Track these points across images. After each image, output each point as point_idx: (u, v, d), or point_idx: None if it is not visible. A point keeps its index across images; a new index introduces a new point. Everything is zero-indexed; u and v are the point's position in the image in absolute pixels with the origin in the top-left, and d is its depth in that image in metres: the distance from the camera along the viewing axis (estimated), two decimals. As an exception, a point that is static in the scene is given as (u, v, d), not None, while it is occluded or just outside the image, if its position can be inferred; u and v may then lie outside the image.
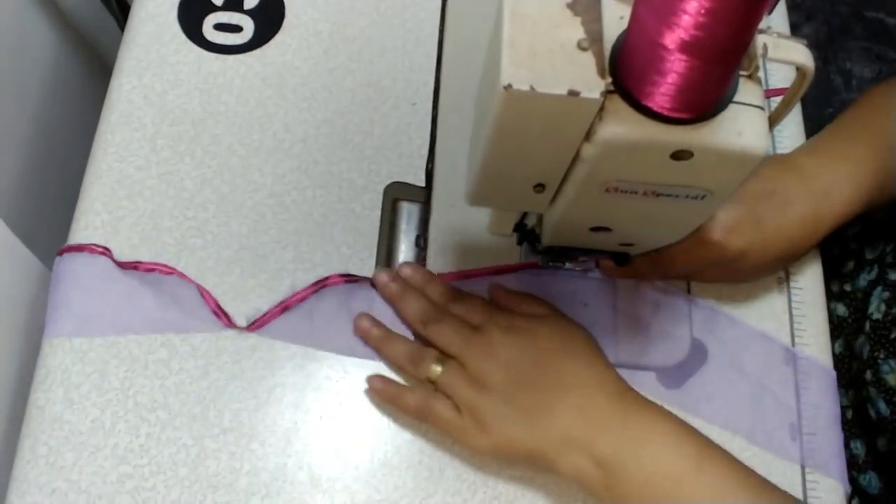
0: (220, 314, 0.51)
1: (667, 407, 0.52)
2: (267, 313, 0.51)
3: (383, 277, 0.52)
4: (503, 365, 0.46)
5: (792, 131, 0.62)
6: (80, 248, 0.51)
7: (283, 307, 0.51)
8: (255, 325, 0.51)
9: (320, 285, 0.52)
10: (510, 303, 0.51)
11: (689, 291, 0.55)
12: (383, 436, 0.50)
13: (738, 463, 0.45)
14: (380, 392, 0.50)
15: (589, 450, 0.44)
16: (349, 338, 0.51)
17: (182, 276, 0.52)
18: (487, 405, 0.46)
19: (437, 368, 0.48)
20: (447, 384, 0.47)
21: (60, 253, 0.52)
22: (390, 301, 0.51)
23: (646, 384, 0.53)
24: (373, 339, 0.51)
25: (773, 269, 0.54)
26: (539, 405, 0.46)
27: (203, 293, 0.51)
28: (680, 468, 0.44)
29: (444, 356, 0.48)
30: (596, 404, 0.46)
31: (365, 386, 0.50)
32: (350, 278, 0.53)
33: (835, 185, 0.50)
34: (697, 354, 0.54)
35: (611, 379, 0.47)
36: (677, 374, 0.54)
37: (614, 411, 0.45)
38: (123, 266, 0.51)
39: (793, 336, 0.55)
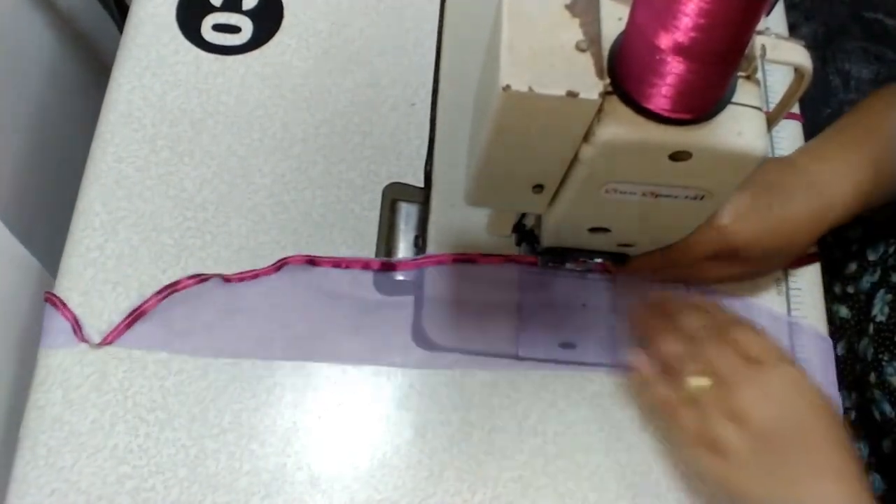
0: (77, 328, 0.50)
1: (666, 407, 0.52)
2: (118, 325, 0.50)
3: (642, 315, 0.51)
4: (769, 411, 0.44)
5: (790, 132, 0.62)
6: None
7: (136, 316, 0.51)
8: (108, 340, 0.50)
9: (170, 290, 0.51)
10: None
11: (687, 291, 0.55)
12: (383, 436, 0.50)
13: None
14: (642, 366, 0.48)
15: None
16: (211, 338, 0.51)
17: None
18: (738, 444, 0.44)
19: (705, 381, 0.46)
20: (707, 402, 0.45)
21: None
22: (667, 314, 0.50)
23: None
24: (651, 327, 0.50)
25: (773, 264, 0.54)
26: (784, 476, 0.44)
27: (58, 304, 0.50)
28: None
29: (709, 374, 0.46)
30: (829, 495, 0.44)
31: (365, 386, 0.50)
32: (202, 278, 0.52)
33: (834, 185, 0.51)
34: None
35: (851, 470, 0.45)
36: (676, 375, 0.54)
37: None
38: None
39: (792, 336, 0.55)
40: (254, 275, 0.52)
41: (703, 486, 0.51)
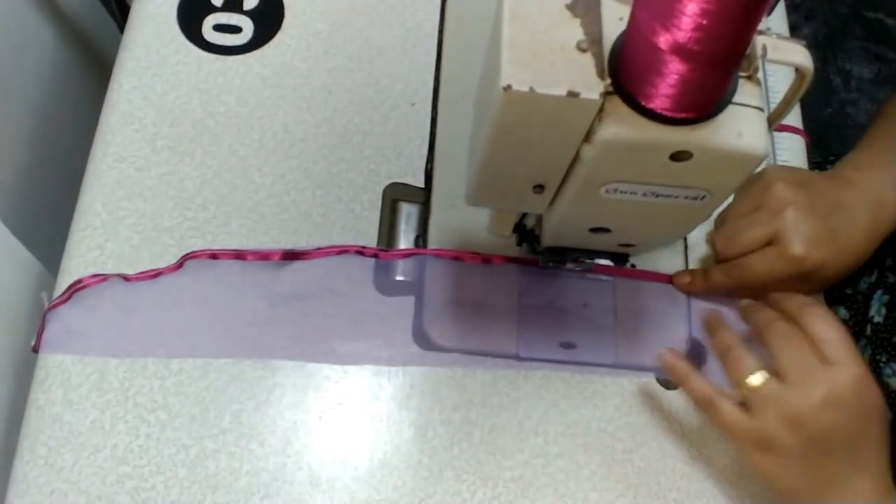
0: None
1: (666, 407, 0.52)
2: (39, 330, 0.50)
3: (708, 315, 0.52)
4: (829, 417, 0.43)
5: (792, 143, 0.62)
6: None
7: (46, 317, 0.50)
8: (37, 345, 0.50)
9: (73, 290, 0.51)
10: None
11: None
12: (383, 436, 0.50)
13: None
14: (671, 366, 0.49)
15: None
16: (122, 339, 0.50)
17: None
18: (787, 444, 0.43)
19: (759, 378, 0.45)
20: (758, 400, 0.44)
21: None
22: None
23: (646, 384, 0.53)
24: (708, 325, 0.51)
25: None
26: (829, 474, 0.44)
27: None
28: None
29: (770, 370, 0.45)
30: (866, 492, 0.44)
31: (365, 386, 0.50)
32: (102, 277, 0.51)
33: (885, 193, 0.51)
34: (696, 355, 0.54)
35: (885, 468, 0.45)
36: (677, 375, 0.54)
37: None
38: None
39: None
40: (155, 273, 0.52)
41: (703, 487, 0.51)
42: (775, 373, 0.45)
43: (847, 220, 0.50)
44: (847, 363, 0.44)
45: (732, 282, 0.52)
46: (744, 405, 0.45)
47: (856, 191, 0.52)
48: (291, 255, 0.53)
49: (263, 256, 0.53)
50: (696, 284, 0.54)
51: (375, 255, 0.54)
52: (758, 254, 0.50)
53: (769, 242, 0.50)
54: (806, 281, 0.51)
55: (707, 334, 0.52)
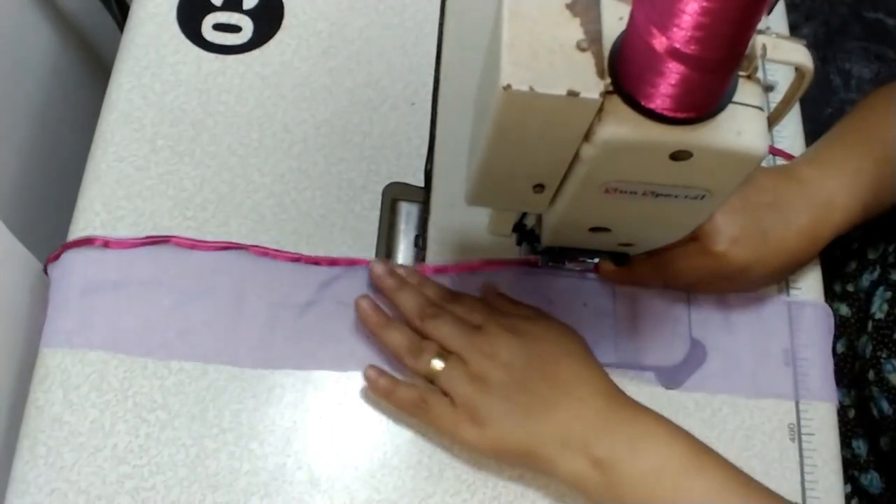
0: None
1: (666, 407, 0.52)
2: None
3: (379, 269, 0.51)
4: (504, 364, 0.47)
5: (791, 131, 0.62)
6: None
7: None
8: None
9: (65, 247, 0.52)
10: (503, 305, 0.51)
11: (688, 292, 0.55)
12: (383, 436, 0.50)
13: (732, 465, 0.45)
14: (374, 383, 0.49)
15: (586, 450, 0.44)
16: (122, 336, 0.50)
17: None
18: (487, 402, 0.46)
19: (439, 363, 0.48)
20: (447, 379, 0.47)
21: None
22: (385, 294, 0.51)
23: (645, 384, 0.53)
24: (371, 324, 0.50)
25: (772, 281, 0.54)
26: (538, 405, 0.46)
27: None
28: (674, 467, 0.44)
29: (444, 352, 0.48)
30: (592, 406, 0.46)
31: (364, 386, 0.50)
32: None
33: (835, 196, 0.50)
34: (696, 354, 0.54)
35: (603, 381, 0.48)
36: (676, 374, 0.54)
37: (609, 413, 0.46)
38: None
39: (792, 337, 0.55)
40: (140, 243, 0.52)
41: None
42: (448, 352, 0.48)
43: (782, 221, 0.49)
44: (493, 319, 0.49)
45: (656, 274, 0.52)
46: (444, 394, 0.47)
47: (803, 190, 0.51)
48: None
49: (263, 252, 0.53)
50: (619, 273, 0.53)
51: None
52: (681, 248, 0.49)
53: (694, 238, 0.49)
54: (732, 280, 0.50)
55: (372, 333, 0.50)
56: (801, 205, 0.50)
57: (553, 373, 0.47)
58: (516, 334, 0.48)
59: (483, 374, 0.46)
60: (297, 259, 0.53)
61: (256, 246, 0.53)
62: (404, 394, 0.48)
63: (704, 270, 0.50)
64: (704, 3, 0.27)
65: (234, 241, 0.53)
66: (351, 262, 0.53)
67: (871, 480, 0.57)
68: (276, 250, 0.53)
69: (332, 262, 0.53)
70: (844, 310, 0.60)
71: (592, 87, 0.32)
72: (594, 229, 0.43)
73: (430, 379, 0.48)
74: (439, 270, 0.53)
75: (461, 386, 0.47)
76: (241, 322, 0.51)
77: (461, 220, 0.54)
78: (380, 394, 0.49)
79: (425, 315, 0.49)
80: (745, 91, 0.34)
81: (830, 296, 0.59)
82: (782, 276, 0.54)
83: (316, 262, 0.53)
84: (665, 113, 0.32)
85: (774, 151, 0.60)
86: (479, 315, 0.49)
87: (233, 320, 0.51)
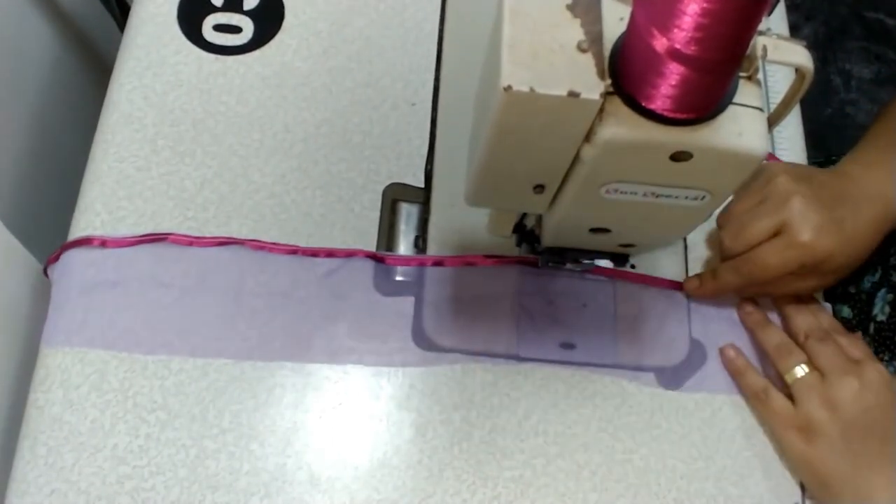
0: None
1: (666, 407, 0.52)
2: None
3: (748, 308, 0.55)
4: (864, 406, 0.48)
5: (791, 132, 0.62)
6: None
7: None
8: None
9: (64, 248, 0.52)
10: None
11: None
12: (383, 436, 0.50)
13: None
14: (731, 361, 0.53)
15: None
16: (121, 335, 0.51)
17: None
18: (828, 428, 0.48)
19: (801, 371, 0.50)
20: (802, 385, 0.50)
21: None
22: (783, 316, 0.55)
23: (645, 384, 0.53)
24: (752, 321, 0.54)
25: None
26: (862, 461, 0.48)
27: None
28: None
29: (810, 366, 0.51)
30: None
31: (365, 386, 0.50)
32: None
33: (886, 190, 0.51)
34: (696, 355, 0.54)
35: None
36: (676, 375, 0.54)
37: None
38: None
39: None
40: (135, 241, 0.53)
41: (703, 487, 0.51)
42: (815, 368, 0.50)
43: (850, 212, 0.50)
44: (873, 362, 0.50)
45: (742, 278, 0.52)
46: (790, 398, 0.50)
47: (858, 186, 0.52)
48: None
49: (260, 247, 0.53)
50: (706, 286, 0.54)
51: (382, 261, 0.54)
52: (766, 245, 0.50)
53: (776, 233, 0.50)
54: (815, 273, 0.51)
55: (751, 330, 0.54)
56: (861, 198, 0.51)
57: (886, 438, 0.48)
58: (889, 387, 0.49)
59: (838, 400, 0.48)
60: (294, 251, 0.53)
61: (253, 240, 0.53)
62: (752, 378, 0.52)
63: (793, 263, 0.50)
64: (705, 5, 0.27)
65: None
66: (349, 254, 0.53)
67: None
68: (274, 243, 0.53)
69: (330, 254, 0.53)
70: (846, 311, 0.60)
71: (593, 87, 0.32)
72: (594, 230, 0.43)
73: (786, 381, 0.51)
74: (438, 263, 0.53)
75: (811, 400, 0.49)
76: (238, 317, 0.51)
77: (461, 220, 0.54)
78: (732, 370, 0.53)
79: (814, 335, 0.52)
80: (746, 92, 0.34)
81: (832, 297, 0.59)
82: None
83: (314, 253, 0.53)
84: (665, 114, 0.33)
85: (769, 158, 0.60)
86: (860, 352, 0.51)
87: (231, 315, 0.51)
